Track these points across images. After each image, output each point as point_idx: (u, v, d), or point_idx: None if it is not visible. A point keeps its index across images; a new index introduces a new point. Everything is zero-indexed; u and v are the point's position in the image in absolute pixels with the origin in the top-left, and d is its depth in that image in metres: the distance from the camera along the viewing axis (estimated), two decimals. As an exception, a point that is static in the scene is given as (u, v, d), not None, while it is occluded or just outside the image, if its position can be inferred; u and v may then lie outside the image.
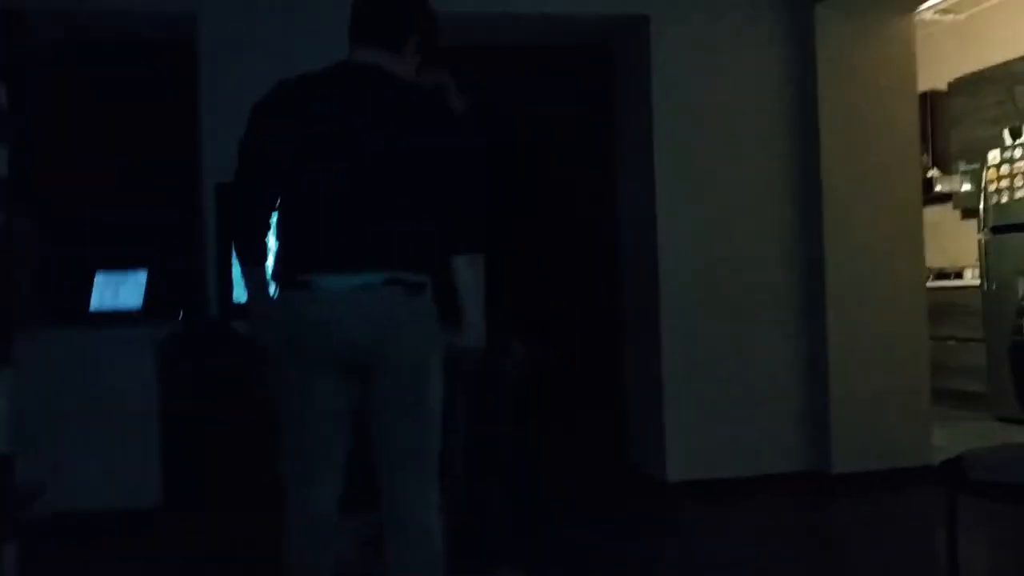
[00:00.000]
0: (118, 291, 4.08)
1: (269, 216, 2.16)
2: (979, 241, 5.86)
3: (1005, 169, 5.64)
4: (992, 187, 5.73)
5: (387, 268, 2.05)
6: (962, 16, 6.17)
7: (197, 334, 3.69)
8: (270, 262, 2.18)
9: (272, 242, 2.17)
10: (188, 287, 4.19)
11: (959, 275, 6.32)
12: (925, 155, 6.37)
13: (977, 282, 5.89)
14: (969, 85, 6.24)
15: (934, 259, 6.33)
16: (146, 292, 4.03)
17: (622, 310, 4.78)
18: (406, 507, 2.11)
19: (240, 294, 3.55)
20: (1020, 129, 5.64)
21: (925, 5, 4.91)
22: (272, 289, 2.17)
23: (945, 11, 6.03)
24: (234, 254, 2.24)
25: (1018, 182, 5.56)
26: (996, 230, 5.72)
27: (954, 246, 6.58)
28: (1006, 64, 5.92)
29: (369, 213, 2.07)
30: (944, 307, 6.01)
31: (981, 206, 5.82)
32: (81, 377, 3.83)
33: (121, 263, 4.14)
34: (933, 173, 6.44)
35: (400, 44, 2.16)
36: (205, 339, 3.67)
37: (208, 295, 3.96)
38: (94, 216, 4.47)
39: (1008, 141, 5.65)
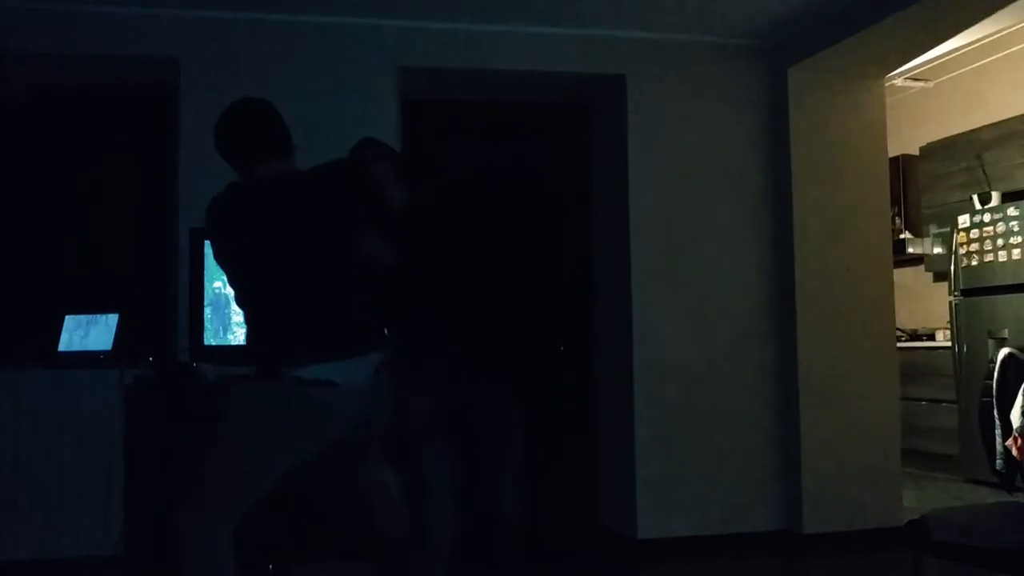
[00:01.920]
0: (88, 333, 4.05)
1: None
2: (950, 303, 5.93)
3: (975, 233, 5.74)
4: (962, 250, 5.82)
5: (356, 352, 2.24)
6: (931, 84, 6.33)
7: (166, 377, 3.66)
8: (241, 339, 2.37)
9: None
10: (160, 330, 4.15)
11: (931, 336, 6.38)
12: (897, 218, 6.48)
13: (949, 344, 5.94)
14: (939, 151, 6.37)
15: (906, 320, 6.39)
16: (117, 335, 4.00)
17: (595, 367, 4.78)
18: None
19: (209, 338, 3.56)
20: (988, 195, 5.75)
21: (896, 72, 5.03)
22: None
23: (915, 78, 6.18)
24: None
25: (987, 246, 5.65)
26: (966, 292, 5.79)
27: (926, 308, 6.65)
28: (973, 131, 6.06)
29: (315, 304, 2.29)
30: (916, 368, 6.05)
31: (952, 269, 5.91)
32: (45, 418, 3.77)
33: (94, 306, 4.12)
34: (905, 235, 6.54)
35: (291, 150, 2.50)
36: (174, 382, 3.64)
37: (179, 338, 3.93)
38: (67, 258, 4.45)
39: (977, 206, 5.76)
